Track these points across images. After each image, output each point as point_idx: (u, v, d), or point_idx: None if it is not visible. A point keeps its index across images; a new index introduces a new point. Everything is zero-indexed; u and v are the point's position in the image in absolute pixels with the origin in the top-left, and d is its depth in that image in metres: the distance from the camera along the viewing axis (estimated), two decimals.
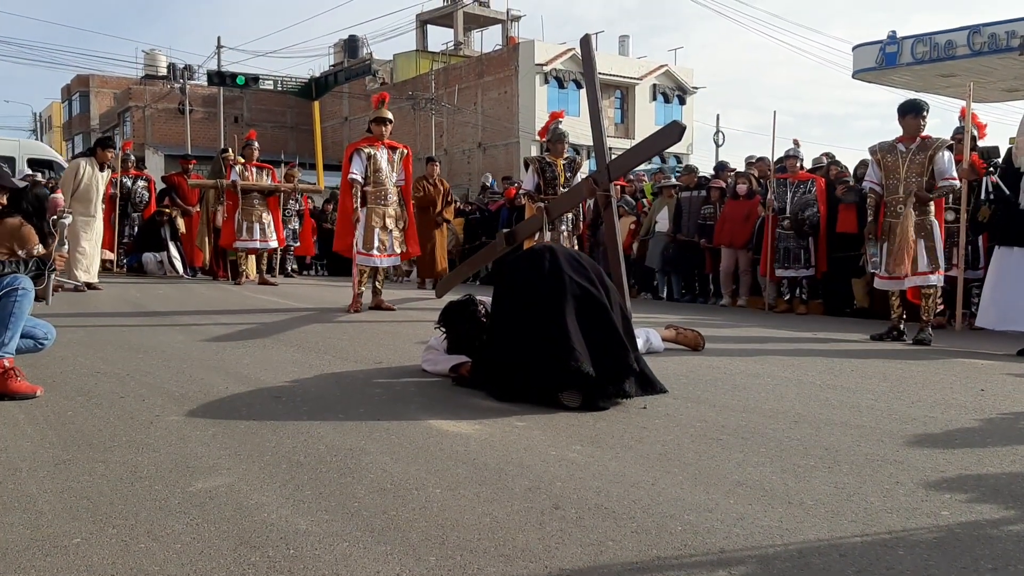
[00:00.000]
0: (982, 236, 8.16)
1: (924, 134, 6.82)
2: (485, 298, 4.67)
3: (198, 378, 4.61)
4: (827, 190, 9.91)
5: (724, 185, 11.34)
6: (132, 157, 13.82)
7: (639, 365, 4.13)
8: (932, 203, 6.75)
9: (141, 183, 13.51)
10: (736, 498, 2.70)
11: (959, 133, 8.15)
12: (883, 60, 22.23)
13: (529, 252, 4.53)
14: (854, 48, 23.46)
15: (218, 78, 25.39)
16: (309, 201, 17.56)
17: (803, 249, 9.78)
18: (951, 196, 7.87)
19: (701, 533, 2.40)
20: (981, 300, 6.45)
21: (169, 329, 6.76)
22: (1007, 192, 6.19)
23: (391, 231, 8.30)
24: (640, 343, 4.97)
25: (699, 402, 4.16)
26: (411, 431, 3.51)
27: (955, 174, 6.76)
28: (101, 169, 9.94)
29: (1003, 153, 8.47)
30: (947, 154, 6.74)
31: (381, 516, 2.52)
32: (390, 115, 8.40)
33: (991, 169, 7.61)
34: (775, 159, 10.45)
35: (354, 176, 8.04)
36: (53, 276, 4.39)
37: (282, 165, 13.05)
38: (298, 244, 14.66)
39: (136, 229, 13.26)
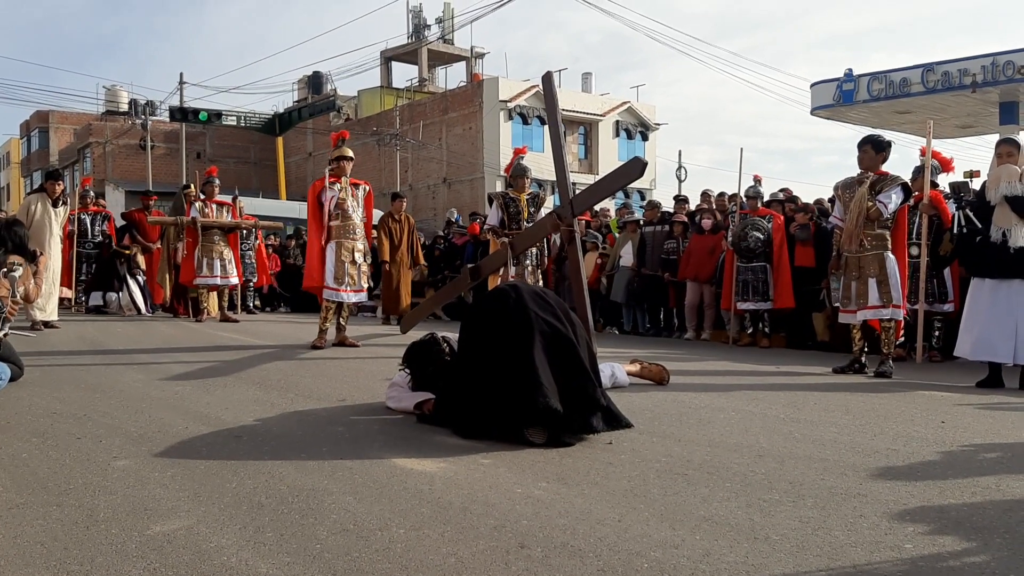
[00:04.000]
0: (949, 269, 8.29)
1: (882, 170, 6.92)
2: (449, 334, 4.66)
3: (157, 418, 4.53)
4: (786, 226, 10.04)
5: (686, 220, 11.46)
6: (91, 193, 13.67)
7: (605, 400, 4.13)
8: (889, 239, 6.85)
9: (99, 219, 13.37)
10: (702, 534, 2.69)
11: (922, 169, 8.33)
12: (840, 97, 22.71)
13: (495, 291, 4.55)
14: (812, 85, 23.94)
15: (180, 114, 25.32)
16: (274, 237, 17.51)
17: (761, 282, 9.89)
18: (914, 231, 8.02)
19: (667, 570, 2.39)
20: (959, 331, 6.55)
21: (128, 368, 6.65)
22: (979, 225, 6.32)
23: (359, 265, 8.32)
24: (605, 378, 4.97)
25: (664, 437, 4.17)
26: (375, 470, 3.47)
27: (889, 206, 6.76)
28: (54, 205, 9.83)
29: (972, 187, 8.66)
30: (897, 189, 6.79)
31: (344, 558, 2.48)
32: (351, 152, 8.49)
33: (963, 203, 7.76)
34: (740, 195, 10.59)
35: (326, 206, 8.14)
36: (7, 326, 4.32)
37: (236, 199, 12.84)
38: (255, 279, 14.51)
39: (94, 266, 13.07)
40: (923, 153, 8.51)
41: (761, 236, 9.84)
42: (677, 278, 11.16)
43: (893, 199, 6.78)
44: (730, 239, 10.08)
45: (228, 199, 12.51)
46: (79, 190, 13.35)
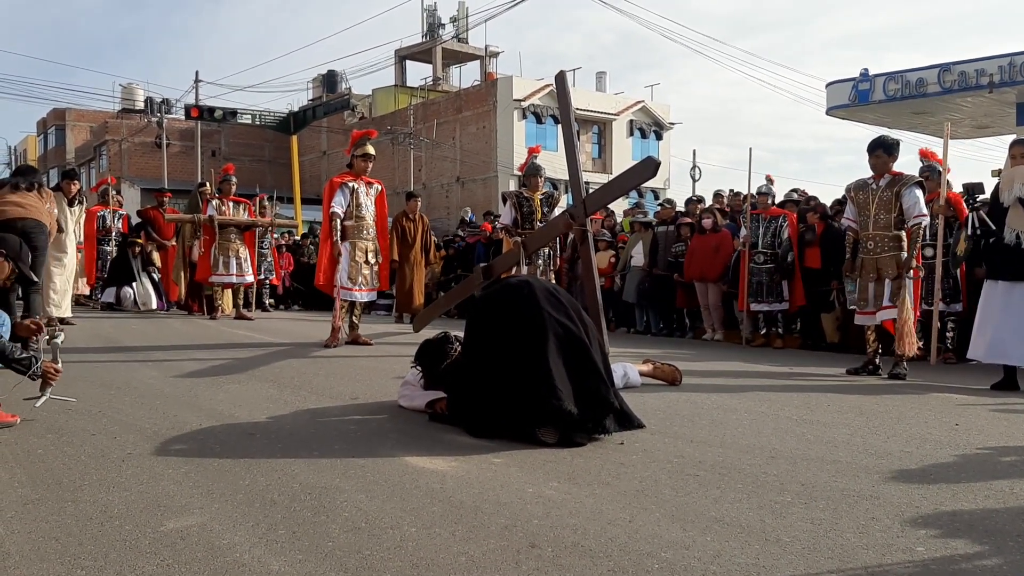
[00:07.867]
0: (959, 270, 8.24)
1: (895, 170, 6.89)
2: (461, 333, 4.65)
3: (171, 415, 4.56)
4: (798, 226, 10.03)
5: (694, 220, 11.44)
6: (112, 191, 13.78)
7: (618, 401, 4.13)
8: (905, 240, 6.81)
9: (117, 217, 13.49)
10: (713, 535, 2.69)
11: (926, 171, 8.27)
12: (856, 97, 22.54)
13: (506, 286, 4.52)
14: (828, 85, 23.79)
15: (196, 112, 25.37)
16: (288, 236, 17.60)
17: (774, 283, 9.86)
18: (927, 232, 7.97)
19: (678, 571, 2.39)
20: (972, 333, 6.51)
21: (142, 365, 6.69)
22: (993, 227, 6.28)
23: (372, 265, 8.32)
24: (617, 378, 4.96)
25: (676, 437, 4.16)
26: (387, 468, 3.48)
27: (924, 211, 6.77)
28: (70, 204, 9.90)
29: (988, 189, 8.60)
30: (915, 191, 6.75)
31: (355, 555, 2.49)
32: (373, 150, 8.44)
33: (977, 204, 7.72)
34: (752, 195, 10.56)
35: (335, 210, 8.06)
36: (48, 392, 4.40)
37: (271, 200, 12.94)
38: (273, 276, 14.61)
39: (109, 263, 13.18)
40: (924, 155, 8.46)
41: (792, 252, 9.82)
42: (684, 278, 11.12)
43: (922, 201, 6.78)
44: (759, 247, 9.97)
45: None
46: (102, 188, 13.46)
